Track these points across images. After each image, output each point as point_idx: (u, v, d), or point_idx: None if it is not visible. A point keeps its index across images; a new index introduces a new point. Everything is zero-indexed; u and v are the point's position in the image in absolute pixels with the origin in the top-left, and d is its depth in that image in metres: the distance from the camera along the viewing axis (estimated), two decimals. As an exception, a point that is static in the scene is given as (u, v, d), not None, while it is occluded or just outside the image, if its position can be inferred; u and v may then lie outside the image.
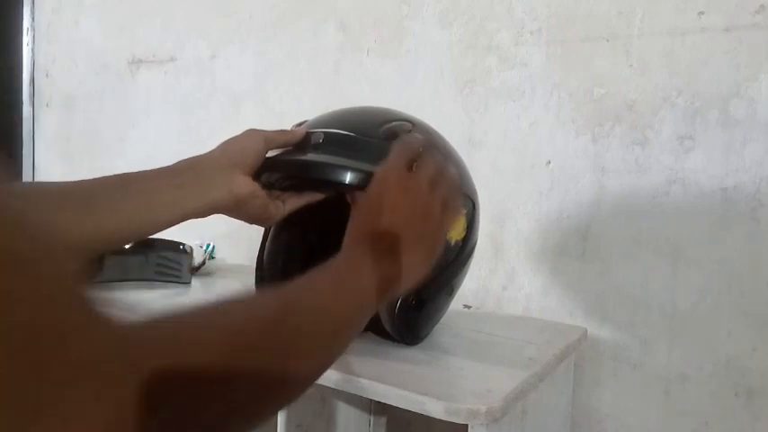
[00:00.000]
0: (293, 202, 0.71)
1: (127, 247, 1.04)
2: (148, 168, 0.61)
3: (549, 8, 1.01)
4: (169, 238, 1.00)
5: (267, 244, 0.84)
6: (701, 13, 0.89)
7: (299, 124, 0.76)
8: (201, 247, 1.21)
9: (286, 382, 0.35)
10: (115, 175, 0.58)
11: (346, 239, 0.51)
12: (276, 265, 0.83)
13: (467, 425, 0.61)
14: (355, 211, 0.52)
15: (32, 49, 1.93)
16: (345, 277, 0.46)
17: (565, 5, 1.00)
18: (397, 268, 0.49)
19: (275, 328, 0.35)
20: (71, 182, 0.54)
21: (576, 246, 1.00)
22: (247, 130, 0.68)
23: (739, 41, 0.87)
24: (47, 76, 1.91)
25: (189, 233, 0.94)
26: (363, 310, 0.46)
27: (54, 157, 1.91)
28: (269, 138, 0.68)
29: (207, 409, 0.29)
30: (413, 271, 0.51)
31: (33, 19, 1.92)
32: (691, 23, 0.90)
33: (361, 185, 0.68)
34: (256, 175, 0.67)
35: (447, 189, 0.55)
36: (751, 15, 0.86)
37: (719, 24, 0.88)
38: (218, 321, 0.32)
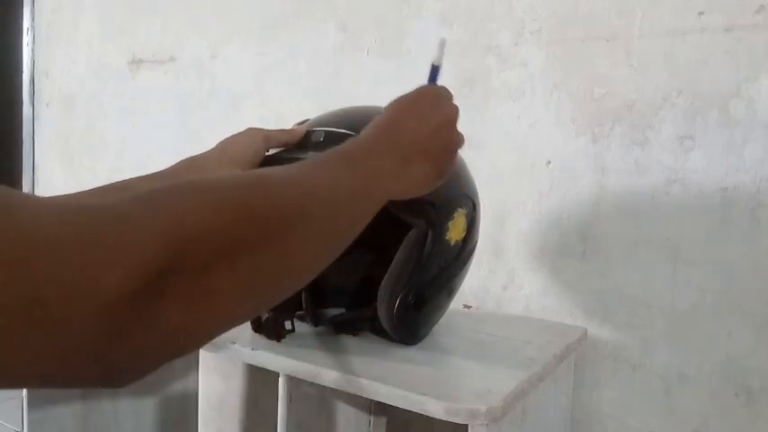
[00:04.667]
0: None
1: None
2: (148, 169, 0.61)
3: (549, 8, 1.01)
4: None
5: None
6: (701, 13, 0.89)
7: (301, 123, 0.76)
8: (201, 247, 1.20)
9: (291, 255, 0.34)
10: (118, 182, 0.58)
11: (370, 126, 0.52)
12: None
13: (467, 425, 0.61)
14: (388, 106, 0.53)
15: (32, 49, 1.93)
16: (356, 156, 0.46)
17: (565, 5, 1.00)
18: (408, 169, 0.49)
19: (288, 191, 0.35)
20: (71, 195, 0.53)
21: (576, 246, 1.00)
22: (247, 129, 0.68)
23: (739, 41, 0.87)
24: (47, 76, 1.91)
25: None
26: (366, 197, 0.45)
27: (54, 157, 1.91)
28: (269, 136, 0.68)
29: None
30: (420, 180, 0.52)
31: (33, 19, 1.92)
32: (691, 23, 0.90)
33: None
34: None
35: (461, 136, 0.57)
36: (751, 15, 0.86)
37: (719, 24, 0.88)
38: (224, 184, 0.31)
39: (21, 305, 0.22)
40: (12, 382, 0.24)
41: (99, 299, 0.24)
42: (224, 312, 0.30)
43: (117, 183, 0.57)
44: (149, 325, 0.26)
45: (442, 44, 0.61)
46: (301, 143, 0.70)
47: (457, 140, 0.56)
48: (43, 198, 0.27)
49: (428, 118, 0.53)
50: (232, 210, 0.30)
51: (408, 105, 0.54)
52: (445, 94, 0.57)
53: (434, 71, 0.62)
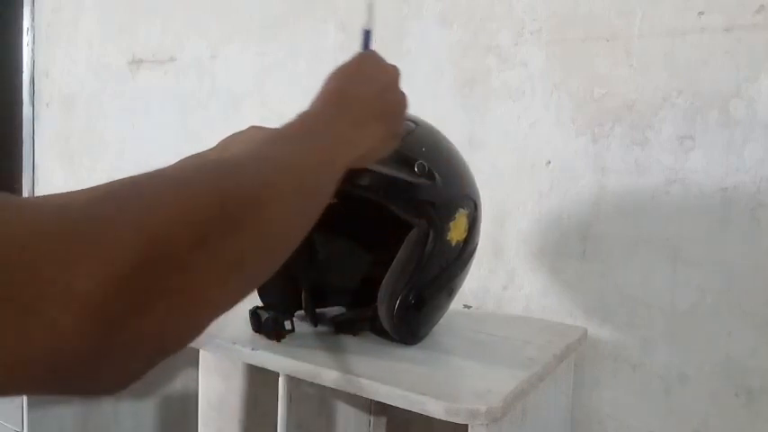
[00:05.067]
0: None
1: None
2: (148, 169, 0.61)
3: (549, 8, 1.01)
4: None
5: (267, 245, 0.84)
6: (701, 13, 0.89)
7: None
8: (201, 247, 1.20)
9: (266, 234, 0.34)
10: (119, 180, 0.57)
11: (317, 98, 0.51)
12: None
13: (467, 425, 0.61)
14: (330, 76, 0.53)
15: (32, 49, 1.93)
16: (313, 128, 0.47)
17: (565, 5, 1.00)
18: (363, 133, 0.50)
19: (255, 171, 0.35)
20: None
21: (576, 246, 1.00)
22: (250, 127, 0.68)
23: (739, 41, 0.87)
24: (47, 76, 1.91)
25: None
26: (330, 165, 0.45)
27: (54, 157, 1.91)
28: None
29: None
30: (378, 142, 0.52)
31: (33, 19, 1.92)
32: (691, 23, 0.90)
33: (362, 183, 0.68)
34: None
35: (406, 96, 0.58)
36: (751, 15, 0.86)
37: (719, 24, 0.88)
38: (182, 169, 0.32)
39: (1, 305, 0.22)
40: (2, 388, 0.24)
41: (78, 297, 0.24)
42: (210, 301, 0.29)
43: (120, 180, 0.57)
44: (135, 321, 0.26)
45: (371, 6, 0.61)
46: None
47: (403, 100, 0.56)
48: (21, 199, 0.26)
49: (372, 81, 0.54)
50: (203, 198, 0.30)
51: (351, 72, 0.54)
52: (382, 58, 0.57)
53: (367, 36, 0.62)
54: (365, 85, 0.53)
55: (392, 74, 0.56)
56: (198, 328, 0.30)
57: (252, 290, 0.35)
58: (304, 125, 0.46)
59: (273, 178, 0.36)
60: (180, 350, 0.30)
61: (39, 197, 0.26)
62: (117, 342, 0.25)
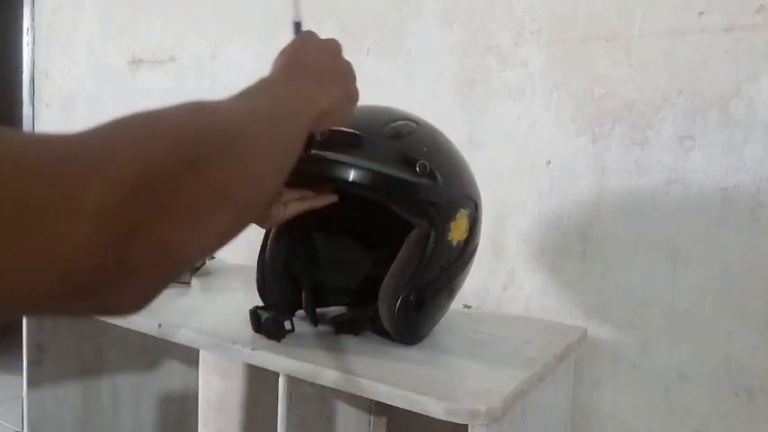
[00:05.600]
0: (294, 207, 0.70)
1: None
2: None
3: (549, 8, 1.01)
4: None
5: (268, 244, 0.84)
6: (701, 13, 0.89)
7: None
8: (201, 247, 1.20)
9: (246, 167, 0.37)
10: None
11: (272, 69, 0.55)
12: (277, 265, 0.84)
13: (467, 425, 0.61)
14: (278, 56, 0.57)
15: (32, 49, 1.93)
16: (275, 87, 0.51)
17: (565, 5, 1.00)
18: (325, 90, 0.54)
19: (228, 114, 0.38)
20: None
21: (576, 246, 1.00)
22: None
23: (739, 41, 0.87)
24: (47, 76, 1.91)
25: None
26: (296, 117, 0.49)
27: (54, 157, 1.91)
28: None
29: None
30: (340, 100, 0.56)
31: (33, 19, 1.92)
32: (691, 23, 0.90)
33: (364, 183, 0.68)
34: None
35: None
36: (751, 15, 0.86)
37: (719, 24, 0.88)
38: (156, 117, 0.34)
39: (15, 218, 0.24)
40: (16, 303, 0.26)
41: (88, 211, 0.26)
42: (206, 224, 0.33)
43: None
44: (139, 239, 0.28)
45: (296, 0, 0.67)
46: (306, 140, 0.70)
47: (350, 66, 0.60)
48: (28, 132, 0.29)
49: (319, 51, 0.58)
50: (184, 131, 0.33)
51: (298, 47, 0.58)
52: (319, 36, 0.62)
53: (298, 27, 0.66)
54: (314, 55, 0.57)
55: (335, 44, 0.60)
56: (202, 249, 0.33)
57: (242, 224, 0.38)
58: (266, 86, 0.49)
59: (244, 119, 0.40)
60: (184, 269, 0.33)
61: (43, 134, 0.29)
62: (125, 256, 0.28)
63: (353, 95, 0.60)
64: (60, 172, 0.26)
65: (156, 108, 0.34)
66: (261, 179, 0.40)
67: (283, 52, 0.57)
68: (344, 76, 0.59)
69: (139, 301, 0.31)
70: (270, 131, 0.43)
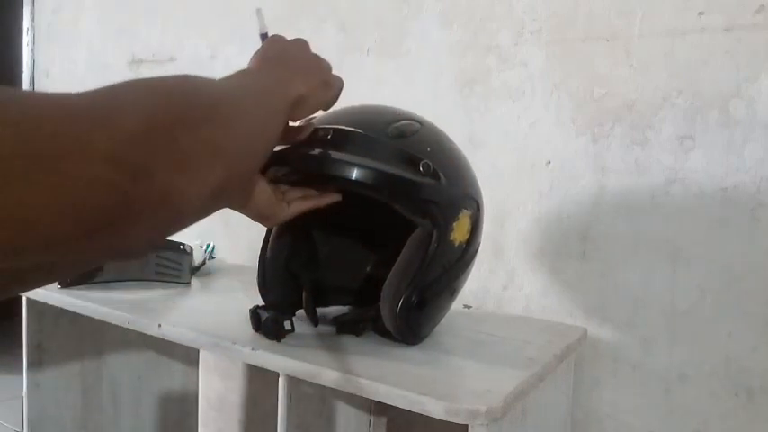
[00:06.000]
0: (297, 206, 0.70)
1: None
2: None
3: (549, 8, 1.01)
4: (169, 238, 1.00)
5: (270, 243, 0.84)
6: (701, 13, 0.89)
7: (306, 120, 0.76)
8: (201, 247, 1.21)
9: (229, 129, 0.40)
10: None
11: (250, 64, 0.60)
12: (279, 263, 0.83)
13: (467, 425, 0.61)
14: (254, 57, 0.61)
15: (32, 49, 1.93)
16: (254, 74, 0.56)
17: (565, 5, 1.00)
18: (302, 78, 0.58)
19: (207, 86, 0.41)
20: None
21: (576, 246, 1.00)
22: None
23: (739, 41, 0.87)
24: (47, 76, 1.91)
25: (189, 233, 0.94)
26: (274, 95, 0.53)
27: (54, 157, 1.91)
28: None
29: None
30: (319, 86, 0.60)
31: (33, 19, 1.92)
32: (691, 23, 0.90)
33: (368, 182, 0.68)
34: (263, 170, 0.67)
35: None
36: (751, 15, 0.86)
37: (719, 24, 0.88)
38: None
39: (31, 155, 0.27)
40: (43, 241, 0.28)
41: (100, 153, 0.29)
42: (199, 174, 0.36)
43: None
44: (141, 182, 0.31)
45: (259, 13, 0.71)
46: (308, 140, 0.70)
47: (320, 58, 0.65)
48: (39, 92, 0.33)
49: (289, 47, 0.62)
50: (173, 93, 0.37)
51: (269, 47, 0.63)
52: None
53: (264, 38, 0.69)
54: (285, 51, 0.61)
55: (303, 42, 0.64)
56: (195, 200, 0.36)
57: (235, 183, 0.42)
58: (244, 73, 0.53)
59: (228, 89, 0.44)
60: (182, 220, 0.37)
61: (55, 93, 0.32)
62: (129, 197, 0.31)
63: (331, 82, 0.64)
64: (73, 123, 0.30)
65: (151, 77, 0.38)
66: (248, 140, 0.43)
67: (255, 55, 0.61)
68: (316, 65, 0.63)
69: (144, 245, 0.35)
70: (252, 102, 0.47)
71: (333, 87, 0.65)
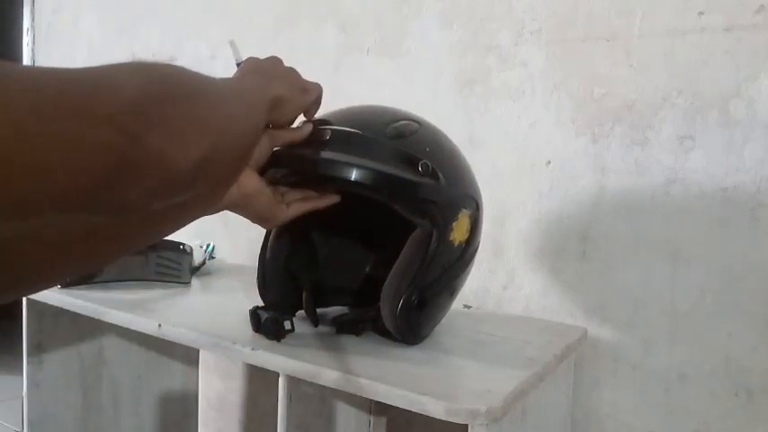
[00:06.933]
0: (297, 208, 0.71)
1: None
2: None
3: (549, 8, 1.01)
4: (169, 238, 1.00)
5: (269, 243, 0.84)
6: (701, 13, 0.89)
7: (305, 121, 0.76)
8: (201, 247, 1.21)
9: (210, 111, 0.44)
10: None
11: (230, 79, 0.61)
12: (278, 264, 0.83)
13: (467, 425, 0.61)
14: (233, 77, 0.64)
15: (32, 49, 1.93)
16: (233, 80, 0.60)
17: (565, 5, 1.00)
18: (275, 83, 0.62)
19: (186, 76, 0.44)
20: None
21: (576, 246, 1.00)
22: None
23: (739, 41, 0.87)
24: (47, 76, 1.91)
25: (189, 233, 0.94)
26: (253, 93, 0.57)
27: (54, 157, 1.91)
28: (274, 134, 0.68)
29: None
30: (290, 91, 0.64)
31: (33, 19, 1.92)
32: (691, 23, 0.90)
33: (367, 183, 0.68)
34: (262, 171, 0.67)
35: None
36: (751, 15, 0.86)
37: (719, 24, 0.88)
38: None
39: (42, 115, 0.29)
40: (57, 196, 0.31)
41: (101, 116, 0.32)
42: (189, 143, 0.39)
43: None
44: (138, 144, 0.34)
45: (233, 44, 0.76)
46: (307, 141, 0.70)
47: (293, 69, 0.69)
48: (43, 67, 0.35)
49: (265, 62, 0.67)
50: (166, 73, 0.41)
51: (249, 63, 0.66)
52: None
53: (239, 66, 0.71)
54: (261, 65, 0.66)
55: (277, 58, 0.69)
56: (188, 159, 0.39)
57: (224, 157, 0.45)
58: (225, 78, 0.55)
59: (211, 79, 0.47)
60: (179, 185, 0.39)
61: (59, 68, 0.34)
62: (129, 157, 0.33)
63: (308, 87, 0.68)
64: (78, 88, 0.33)
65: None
66: (228, 122, 0.47)
67: (244, 69, 0.66)
68: (293, 74, 0.68)
69: (145, 201, 0.37)
70: (232, 94, 0.51)
71: (310, 92, 0.69)
